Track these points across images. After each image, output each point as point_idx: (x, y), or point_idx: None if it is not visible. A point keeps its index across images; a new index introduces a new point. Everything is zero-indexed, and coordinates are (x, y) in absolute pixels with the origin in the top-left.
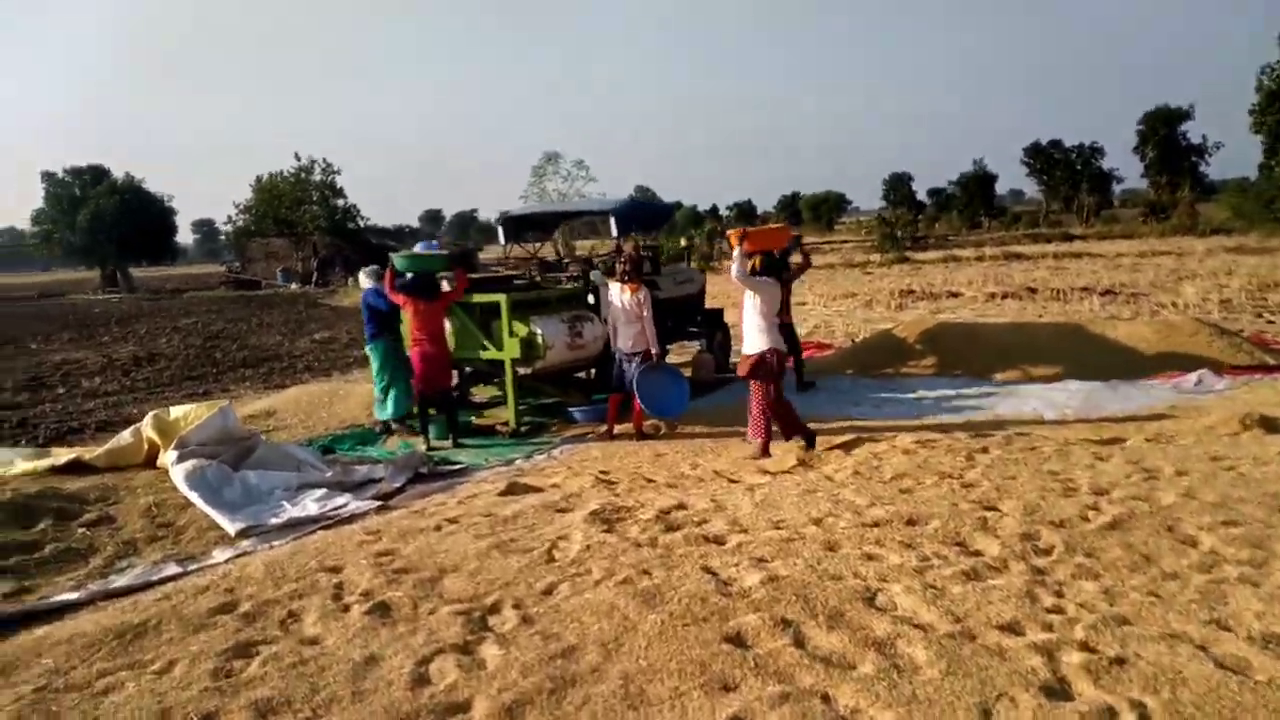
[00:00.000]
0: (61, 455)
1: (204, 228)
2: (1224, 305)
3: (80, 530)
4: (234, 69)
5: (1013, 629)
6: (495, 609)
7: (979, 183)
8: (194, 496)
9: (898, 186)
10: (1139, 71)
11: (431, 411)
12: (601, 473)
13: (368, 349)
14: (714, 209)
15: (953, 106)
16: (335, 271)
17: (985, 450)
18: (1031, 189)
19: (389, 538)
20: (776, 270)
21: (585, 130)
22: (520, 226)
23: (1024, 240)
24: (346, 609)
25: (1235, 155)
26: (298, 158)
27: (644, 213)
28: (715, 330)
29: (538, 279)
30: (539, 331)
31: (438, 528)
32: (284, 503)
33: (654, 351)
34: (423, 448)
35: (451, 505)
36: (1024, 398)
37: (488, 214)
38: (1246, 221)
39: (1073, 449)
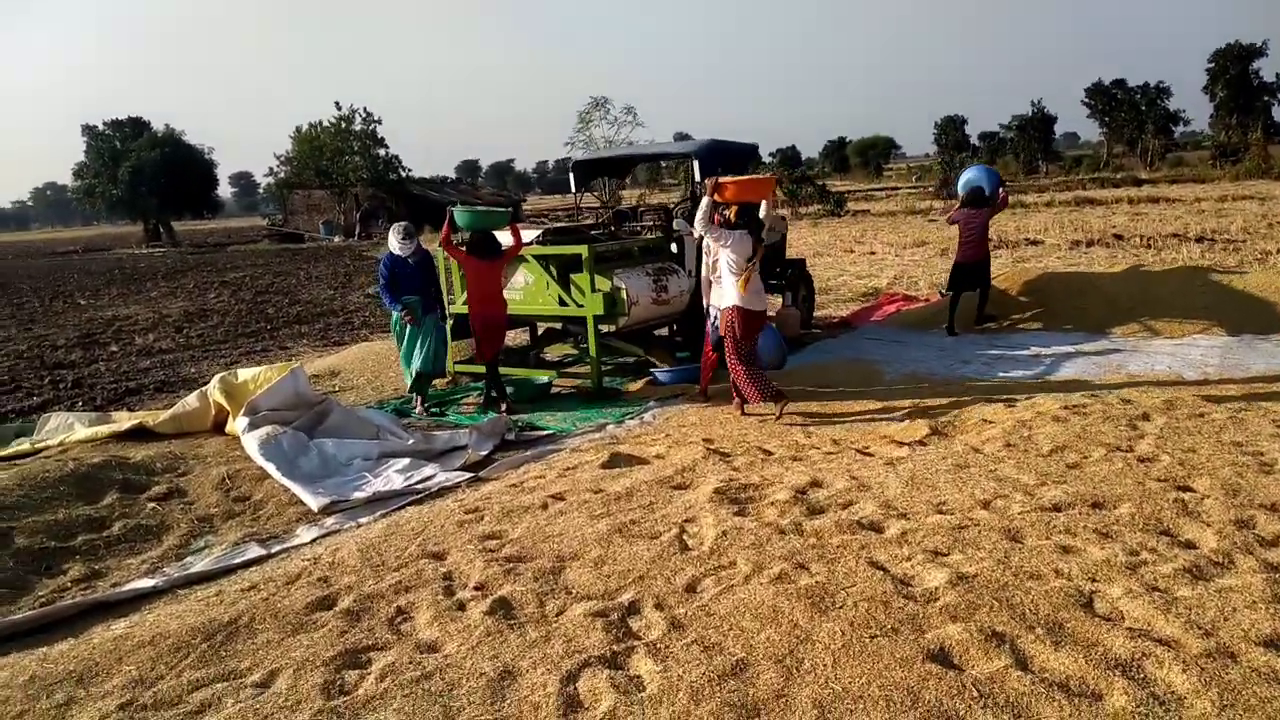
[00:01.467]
0: (124, 420)
1: (241, 181)
2: None
3: (150, 505)
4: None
5: (1278, 645)
6: (634, 609)
7: (1038, 125)
8: (270, 468)
9: (949, 130)
10: (1206, 5)
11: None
12: (706, 441)
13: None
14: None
15: (1005, 45)
16: (378, 223)
17: (1147, 418)
18: (1092, 131)
19: (492, 517)
20: (754, 224)
21: (623, 77)
22: (592, 171)
23: (1089, 185)
24: (462, 606)
25: None
26: (338, 107)
27: (727, 154)
28: (800, 283)
29: (613, 229)
30: (623, 286)
31: (544, 506)
32: (366, 474)
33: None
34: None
35: (551, 478)
36: (1152, 355)
37: (524, 164)
38: None
39: (1247, 416)
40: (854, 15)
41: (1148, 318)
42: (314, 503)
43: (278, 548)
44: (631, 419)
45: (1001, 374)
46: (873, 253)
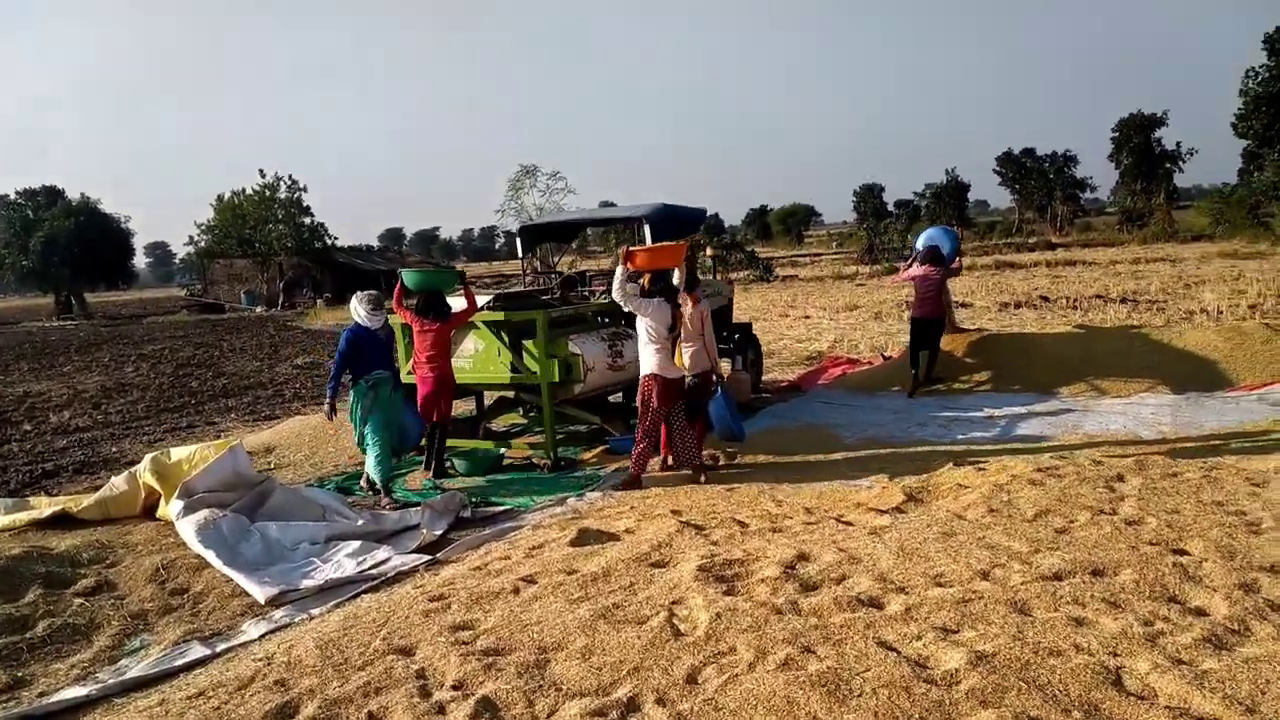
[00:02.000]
0: (44, 506)
1: (156, 250)
2: (1254, 311)
3: (77, 601)
4: (183, 91)
5: None
6: (634, 706)
7: (952, 192)
8: (209, 555)
9: (868, 198)
10: (1109, 78)
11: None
12: (675, 512)
13: (352, 390)
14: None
15: (919, 118)
16: (303, 293)
17: (1121, 479)
18: (1002, 198)
19: (460, 604)
20: (668, 290)
21: (546, 146)
22: (539, 236)
23: (1005, 249)
24: (442, 709)
25: (1205, 162)
26: (262, 174)
27: (677, 218)
28: (748, 346)
29: (562, 295)
30: (580, 352)
31: (515, 590)
32: (314, 559)
33: (717, 372)
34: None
35: (518, 559)
36: (1105, 414)
37: (449, 232)
38: (1228, 227)
39: (1220, 475)
40: (773, 88)
41: (1093, 377)
42: (260, 594)
43: (223, 646)
44: (591, 490)
45: (961, 436)
46: (807, 316)
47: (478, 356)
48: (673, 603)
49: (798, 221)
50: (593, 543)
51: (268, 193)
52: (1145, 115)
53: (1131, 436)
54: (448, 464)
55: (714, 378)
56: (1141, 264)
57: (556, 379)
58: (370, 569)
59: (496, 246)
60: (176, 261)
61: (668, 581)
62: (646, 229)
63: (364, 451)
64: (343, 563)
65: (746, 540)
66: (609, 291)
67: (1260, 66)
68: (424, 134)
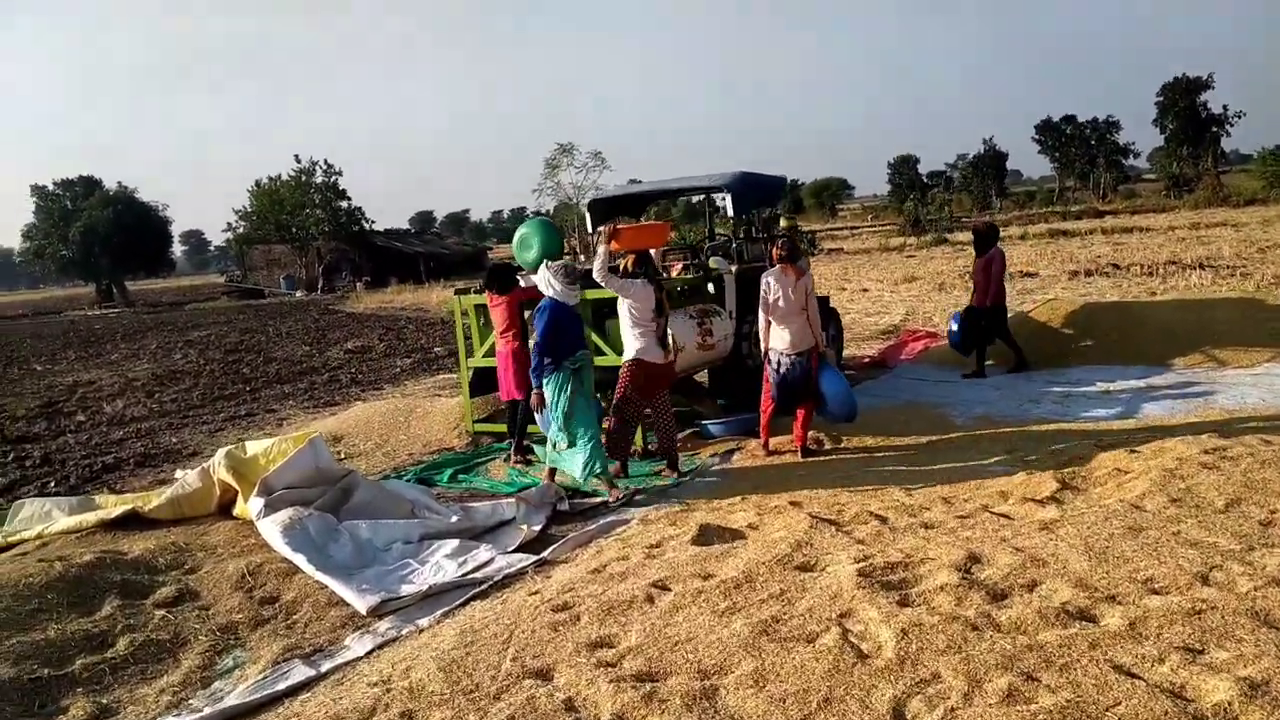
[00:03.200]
0: (111, 506)
1: (192, 239)
2: None
3: (159, 612)
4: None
5: None
6: None
7: (990, 161)
8: (300, 560)
9: (903, 169)
10: (1152, 42)
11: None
12: (795, 505)
13: (547, 379)
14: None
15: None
16: (342, 276)
17: None
18: (1042, 168)
19: (590, 615)
20: (652, 272)
21: (575, 127)
22: (611, 210)
23: (1052, 218)
24: None
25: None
26: (298, 160)
27: (758, 186)
28: (829, 320)
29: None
30: (669, 330)
31: (649, 598)
32: (409, 561)
33: (822, 348)
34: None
35: (638, 559)
36: (1236, 387)
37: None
38: None
39: None
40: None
41: (1209, 347)
42: (361, 603)
43: (328, 665)
44: (693, 479)
45: (1083, 414)
46: (865, 290)
47: None
48: (840, 615)
49: (830, 195)
50: (716, 541)
51: (303, 178)
52: (1190, 78)
53: (1277, 411)
54: (528, 450)
55: (822, 351)
56: (1202, 229)
57: None
58: (474, 572)
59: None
60: (211, 249)
61: (825, 589)
62: (728, 198)
63: (564, 444)
64: (442, 565)
65: (897, 538)
66: (693, 265)
67: None
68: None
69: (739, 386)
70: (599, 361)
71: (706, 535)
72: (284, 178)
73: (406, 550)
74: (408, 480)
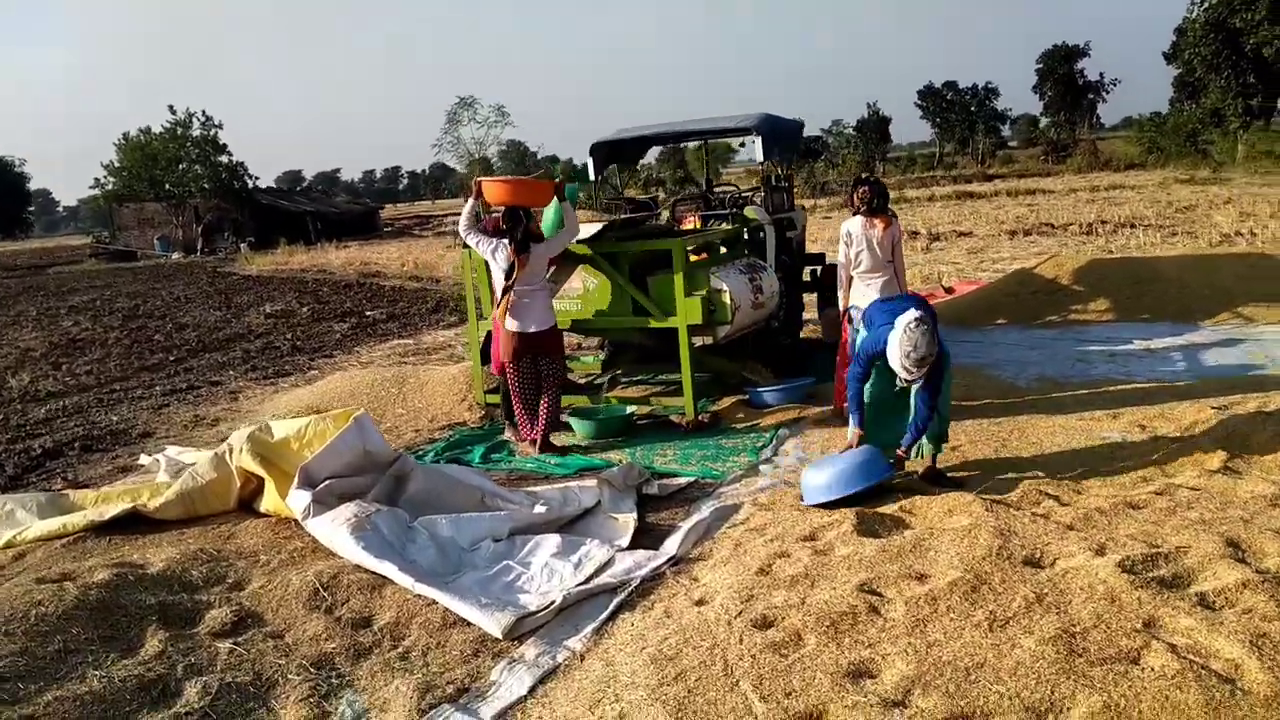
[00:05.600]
0: (96, 503)
1: (38, 199)
2: None
3: (223, 645)
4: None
5: None
6: None
7: (874, 126)
8: (390, 570)
9: None
10: (1029, 10)
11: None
12: (938, 482)
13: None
14: (570, 160)
15: (825, 54)
16: (224, 237)
17: None
18: (922, 132)
19: (813, 633)
20: (519, 232)
21: (467, 84)
22: (613, 154)
23: (937, 183)
24: None
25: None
26: (172, 110)
27: (784, 131)
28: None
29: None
30: (724, 287)
31: (872, 608)
32: (508, 563)
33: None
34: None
35: (805, 555)
36: (1270, 342)
37: (350, 174)
38: (1160, 155)
39: None
40: (692, 17)
41: (1230, 303)
42: (493, 624)
43: (490, 711)
44: (770, 452)
45: (1148, 372)
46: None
47: (588, 296)
48: (1144, 625)
49: (717, 159)
50: (883, 532)
51: (179, 130)
52: (1068, 46)
53: None
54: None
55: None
56: (1102, 191)
57: (700, 320)
58: (596, 575)
59: (400, 187)
60: (60, 209)
61: (1091, 590)
62: (758, 141)
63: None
64: (555, 567)
65: (1119, 520)
66: (731, 215)
67: None
68: (319, 71)
69: (776, 351)
70: (641, 322)
71: (869, 525)
72: (156, 131)
73: (499, 550)
74: (431, 461)
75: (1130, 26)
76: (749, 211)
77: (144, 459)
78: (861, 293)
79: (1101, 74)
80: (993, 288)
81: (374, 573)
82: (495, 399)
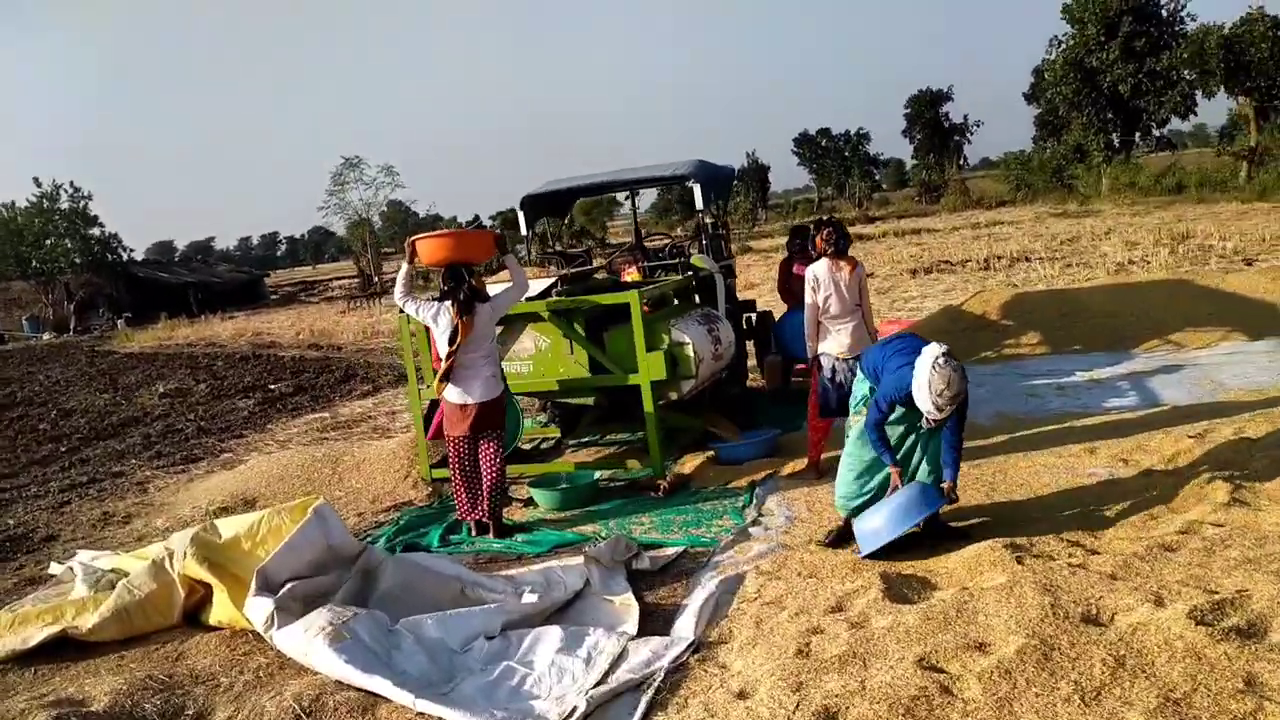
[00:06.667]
0: (25, 626)
1: None
2: (1179, 258)
3: None
4: None
5: None
6: None
7: (754, 173)
8: (383, 687)
9: (672, 186)
10: (895, 59)
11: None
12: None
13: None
14: (475, 218)
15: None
16: (99, 314)
17: None
18: (801, 179)
19: None
20: (461, 291)
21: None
22: (544, 206)
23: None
24: None
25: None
26: (38, 183)
27: (718, 178)
28: (765, 328)
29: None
30: (687, 339)
31: (945, 689)
32: (511, 665)
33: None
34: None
35: (842, 631)
36: (1226, 366)
37: (225, 242)
38: (1029, 191)
39: None
40: (566, 71)
41: (1158, 331)
42: None
43: None
44: (754, 513)
45: (1106, 404)
46: None
47: (540, 356)
48: (1246, 684)
49: (602, 212)
50: (914, 596)
51: (45, 204)
52: (934, 90)
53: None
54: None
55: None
56: (981, 228)
57: (663, 376)
58: (611, 671)
59: (279, 253)
60: None
61: (1166, 646)
62: (697, 189)
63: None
64: (565, 666)
65: (1160, 565)
66: (678, 265)
67: (1064, 35)
68: (194, 139)
69: (727, 402)
70: (600, 381)
71: (897, 588)
72: (21, 205)
73: (494, 649)
74: (383, 549)
75: (985, 72)
76: (697, 260)
77: (55, 568)
78: (832, 339)
79: (965, 116)
80: (923, 326)
81: (363, 690)
82: (442, 473)
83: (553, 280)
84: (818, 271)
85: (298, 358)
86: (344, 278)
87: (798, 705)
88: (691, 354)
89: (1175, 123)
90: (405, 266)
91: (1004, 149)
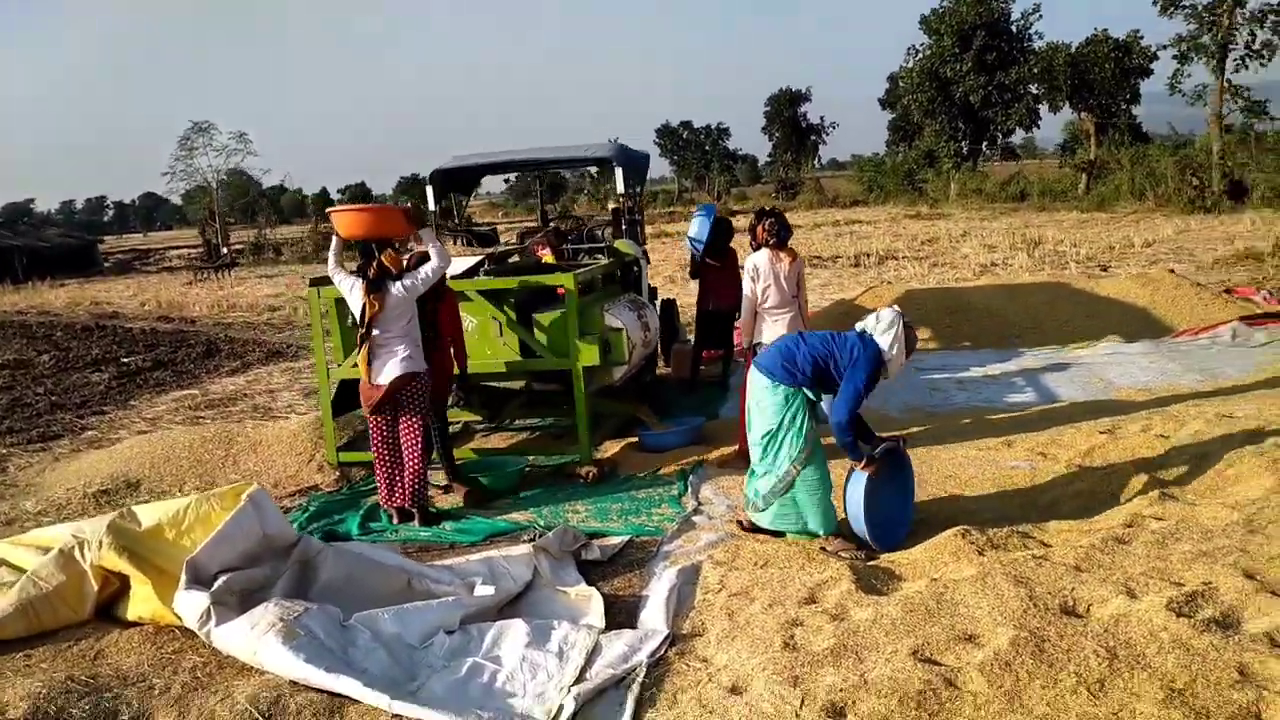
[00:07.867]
0: None
1: None
2: (1036, 260)
3: None
4: None
5: None
6: None
7: None
8: (352, 688)
9: (522, 177)
10: (756, 58)
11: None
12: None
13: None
14: (323, 192)
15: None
16: None
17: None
18: (662, 169)
19: (907, 718)
20: (375, 269)
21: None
22: (454, 182)
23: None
24: None
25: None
26: None
27: (635, 162)
28: (673, 319)
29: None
30: (621, 325)
31: (949, 681)
32: (479, 661)
33: None
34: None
35: (824, 623)
36: (1111, 366)
37: (46, 204)
38: (881, 193)
39: None
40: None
41: (1042, 330)
42: None
43: None
44: (692, 501)
45: (1009, 399)
46: None
47: (466, 338)
48: (1240, 675)
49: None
50: (884, 587)
51: None
52: (792, 91)
53: (1170, 388)
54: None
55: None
56: (842, 225)
57: (597, 362)
58: (595, 666)
59: (106, 219)
60: None
61: (1153, 638)
62: (618, 172)
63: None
64: (538, 662)
65: (1119, 558)
66: (602, 248)
67: (921, 44)
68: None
69: (643, 389)
70: (531, 365)
71: (867, 579)
72: None
73: (455, 644)
74: (310, 532)
75: (843, 75)
76: (622, 245)
77: (31, 568)
78: (769, 328)
79: (822, 117)
80: (820, 318)
81: (324, 690)
82: (351, 456)
83: (479, 259)
84: (758, 262)
85: (149, 330)
86: (181, 247)
87: (802, 701)
88: (625, 340)
89: (1018, 134)
90: (335, 240)
91: (856, 151)
